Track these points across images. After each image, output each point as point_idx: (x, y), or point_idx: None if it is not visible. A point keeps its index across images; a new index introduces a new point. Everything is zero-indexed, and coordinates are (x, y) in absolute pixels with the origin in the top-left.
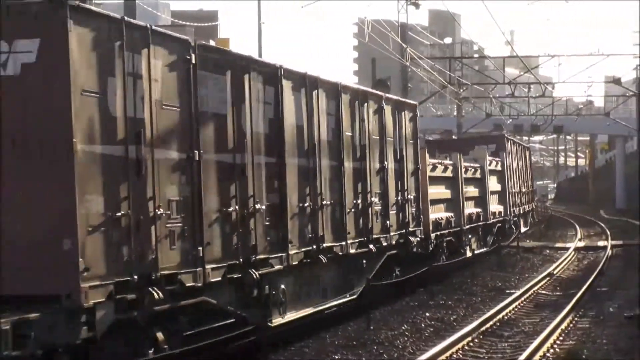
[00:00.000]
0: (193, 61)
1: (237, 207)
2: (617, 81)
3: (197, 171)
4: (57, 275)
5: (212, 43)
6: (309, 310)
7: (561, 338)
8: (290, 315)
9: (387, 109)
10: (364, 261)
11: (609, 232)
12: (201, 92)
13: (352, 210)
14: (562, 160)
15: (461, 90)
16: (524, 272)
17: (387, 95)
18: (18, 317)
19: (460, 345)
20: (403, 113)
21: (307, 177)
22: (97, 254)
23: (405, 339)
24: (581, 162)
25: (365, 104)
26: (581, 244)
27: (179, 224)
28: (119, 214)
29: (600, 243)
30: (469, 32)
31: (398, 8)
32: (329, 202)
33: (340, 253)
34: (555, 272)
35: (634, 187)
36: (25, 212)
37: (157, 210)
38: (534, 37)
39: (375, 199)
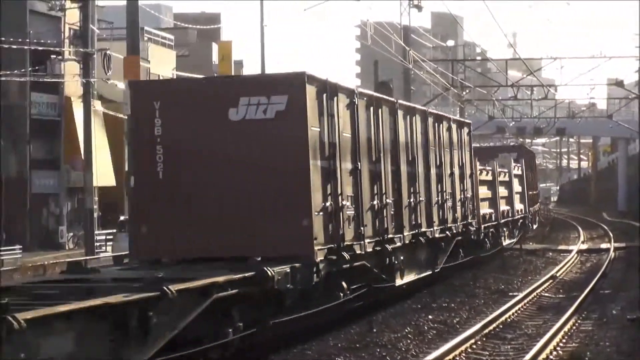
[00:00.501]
0: (355, 102)
1: (377, 201)
2: (619, 83)
3: (359, 176)
4: (300, 242)
5: (214, 46)
6: (412, 277)
7: (564, 341)
8: (405, 279)
9: (454, 127)
10: (443, 244)
11: (611, 235)
12: (360, 122)
13: (436, 204)
14: (564, 162)
15: (464, 93)
16: (527, 274)
17: (454, 117)
18: (290, 266)
19: (463, 348)
20: (463, 129)
21: (413, 181)
22: (319, 229)
23: (408, 341)
24: (584, 164)
25: (440, 125)
26: (584, 246)
27: (352, 212)
28: (327, 204)
29: (603, 245)
30: (471, 35)
31: (401, 10)
32: (423, 199)
33: (430, 237)
34: (558, 275)
35: (636, 189)
36: (280, 203)
37: (343, 202)
38: (536, 39)
39: (448, 197)
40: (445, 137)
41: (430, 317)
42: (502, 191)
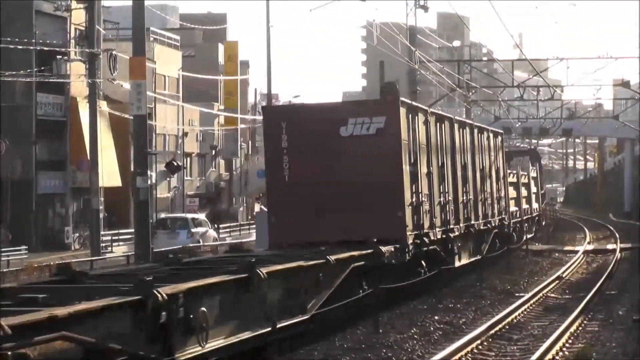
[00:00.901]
0: (428, 119)
1: (443, 198)
2: (625, 84)
3: (431, 178)
4: (396, 229)
5: (220, 46)
6: (465, 261)
7: (570, 341)
8: (461, 262)
9: (491, 136)
10: (485, 235)
11: (617, 235)
12: (431, 135)
13: (480, 202)
14: (570, 163)
15: (470, 94)
16: (533, 275)
17: (493, 129)
18: (394, 246)
19: (469, 349)
20: (497, 138)
21: (465, 182)
22: (409, 219)
23: (414, 342)
24: (590, 165)
25: (482, 135)
26: (590, 247)
27: (428, 206)
28: (413, 199)
29: (609, 246)
30: (477, 35)
31: (407, 11)
32: (472, 197)
33: (476, 228)
34: (564, 275)
35: None
36: (381, 198)
37: (422, 198)
38: (542, 40)
39: (488, 196)
40: (485, 145)
41: (436, 317)
42: (524, 191)
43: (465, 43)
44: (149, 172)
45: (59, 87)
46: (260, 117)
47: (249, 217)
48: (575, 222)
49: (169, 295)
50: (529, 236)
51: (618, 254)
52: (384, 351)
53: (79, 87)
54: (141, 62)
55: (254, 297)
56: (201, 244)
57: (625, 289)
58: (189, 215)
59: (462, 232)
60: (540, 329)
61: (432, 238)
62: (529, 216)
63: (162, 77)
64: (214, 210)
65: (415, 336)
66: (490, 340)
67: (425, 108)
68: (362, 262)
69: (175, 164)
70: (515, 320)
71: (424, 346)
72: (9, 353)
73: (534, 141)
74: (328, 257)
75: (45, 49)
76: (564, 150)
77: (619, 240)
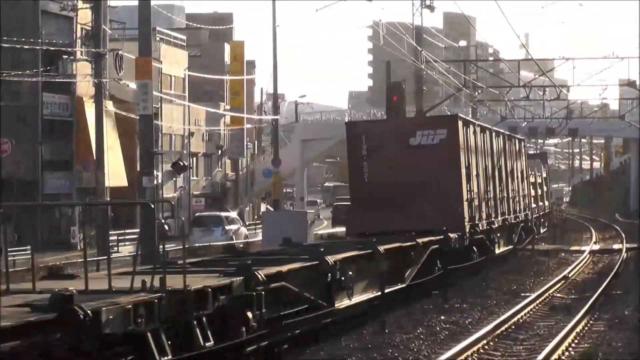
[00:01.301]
0: (476, 130)
1: (486, 195)
2: (631, 84)
3: (479, 179)
4: (456, 220)
5: (226, 46)
6: (502, 249)
7: (576, 341)
8: (500, 250)
9: (517, 142)
10: (515, 227)
11: (623, 235)
12: (478, 143)
13: (511, 199)
14: (577, 163)
15: (476, 93)
16: (539, 275)
17: (518, 136)
18: (457, 234)
19: (475, 349)
20: (522, 144)
21: (500, 182)
22: (466, 212)
23: (420, 342)
24: (596, 165)
25: (511, 141)
26: (596, 247)
27: (477, 202)
28: (468, 196)
29: (615, 246)
30: (483, 35)
31: (413, 11)
32: (505, 195)
33: (509, 222)
34: (570, 275)
35: None
36: (444, 195)
37: (474, 196)
38: (548, 40)
39: (517, 194)
40: (513, 150)
41: (442, 317)
42: (539, 191)
43: (471, 43)
44: (155, 172)
45: (65, 86)
46: (266, 117)
47: (255, 217)
48: (581, 222)
49: (333, 261)
50: (543, 230)
51: (624, 254)
52: (391, 351)
53: (85, 86)
54: (147, 62)
55: (374, 267)
56: (234, 240)
57: (631, 289)
58: (223, 214)
59: (500, 224)
60: (546, 329)
61: (481, 228)
62: (544, 212)
63: (168, 77)
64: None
65: (422, 336)
66: (496, 340)
67: (473, 121)
68: (437, 245)
69: (181, 163)
70: (521, 320)
71: (430, 346)
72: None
73: (540, 141)
74: (417, 240)
75: (52, 48)
76: (570, 150)
77: (625, 240)
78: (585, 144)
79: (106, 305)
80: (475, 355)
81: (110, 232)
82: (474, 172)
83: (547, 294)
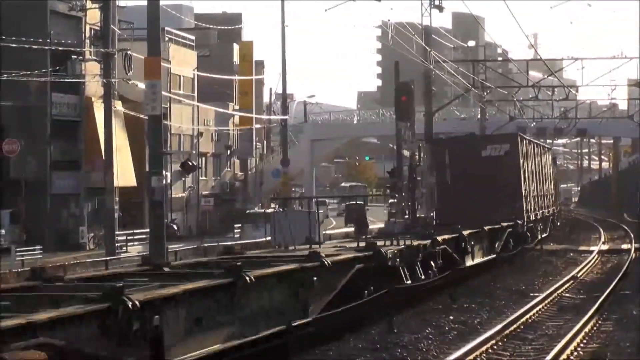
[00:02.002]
0: (528, 144)
1: (533, 193)
2: (639, 84)
3: (529, 181)
4: (518, 213)
5: (235, 46)
6: (544, 235)
7: (585, 341)
8: (540, 237)
9: (547, 152)
10: (547, 220)
11: (632, 235)
12: (529, 154)
13: (545, 197)
14: (585, 163)
15: (485, 94)
16: (548, 275)
17: (547, 145)
18: (510, 224)
19: (484, 348)
20: (549, 153)
21: (539, 183)
22: (524, 207)
23: (429, 342)
24: (605, 165)
25: (544, 149)
26: (605, 247)
27: (528, 198)
28: (525, 194)
29: (624, 246)
30: (492, 35)
31: (422, 11)
32: (542, 193)
33: (543, 215)
34: (578, 275)
35: None
36: (508, 193)
37: (527, 194)
38: (557, 40)
39: (548, 193)
40: (545, 158)
41: (450, 317)
42: (557, 190)
43: (480, 43)
44: (164, 172)
45: (73, 87)
46: (275, 117)
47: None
48: (589, 222)
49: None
50: (558, 224)
51: (633, 254)
52: (399, 351)
53: (93, 87)
54: (156, 62)
55: (484, 240)
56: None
57: None
58: (270, 211)
59: (540, 216)
60: (555, 329)
61: (532, 219)
62: (557, 210)
63: (177, 77)
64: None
65: (430, 336)
66: (505, 340)
67: (526, 137)
68: (511, 229)
69: (190, 163)
70: (530, 320)
71: (439, 346)
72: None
73: (548, 141)
74: (501, 224)
75: (60, 49)
76: (579, 150)
77: (633, 240)
78: (594, 144)
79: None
80: (484, 355)
81: (119, 232)
82: (527, 176)
83: (555, 294)
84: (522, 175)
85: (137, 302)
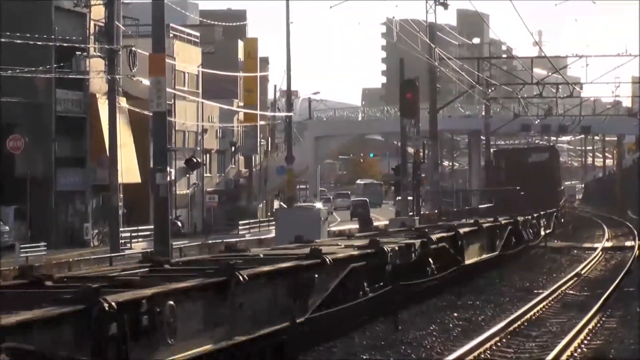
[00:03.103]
0: (558, 152)
1: (560, 188)
2: None
3: (557, 180)
4: (556, 204)
5: (240, 43)
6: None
7: (588, 338)
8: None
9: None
10: (564, 210)
11: (636, 232)
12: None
13: (562, 192)
14: (589, 160)
15: (489, 91)
16: (552, 272)
17: (556, 148)
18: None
19: (488, 345)
20: (558, 153)
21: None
22: (558, 199)
23: (433, 339)
24: (609, 162)
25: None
26: (608, 244)
27: (560, 192)
28: (558, 190)
29: (628, 243)
30: (497, 33)
31: (426, 8)
32: (562, 190)
33: (564, 206)
34: (582, 272)
35: None
36: (548, 189)
37: (559, 189)
38: (562, 38)
39: (563, 190)
40: (560, 160)
41: (455, 314)
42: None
43: (484, 40)
44: (168, 169)
45: (78, 83)
46: (279, 114)
47: (269, 214)
48: (594, 219)
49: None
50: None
51: (636, 251)
52: (403, 348)
53: (98, 83)
54: (161, 58)
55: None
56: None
57: None
58: (316, 205)
59: (563, 207)
60: (558, 326)
61: (561, 209)
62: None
63: (182, 74)
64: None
65: (435, 333)
66: (509, 337)
67: (556, 148)
68: (555, 214)
69: (194, 160)
70: (534, 317)
71: (443, 343)
72: None
73: (552, 138)
74: (548, 210)
75: (65, 45)
76: (583, 148)
77: (637, 238)
78: (598, 142)
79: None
80: (488, 352)
81: (123, 229)
82: (557, 177)
83: (559, 291)
84: (557, 175)
85: (113, 304)
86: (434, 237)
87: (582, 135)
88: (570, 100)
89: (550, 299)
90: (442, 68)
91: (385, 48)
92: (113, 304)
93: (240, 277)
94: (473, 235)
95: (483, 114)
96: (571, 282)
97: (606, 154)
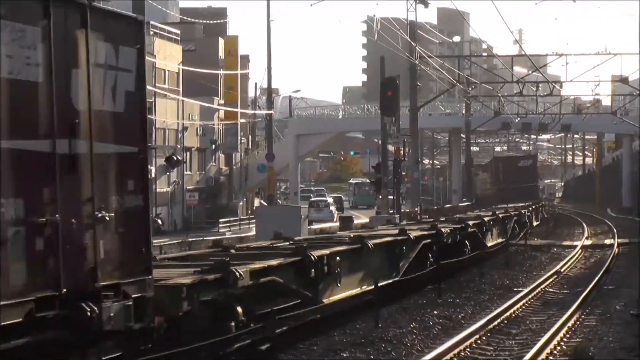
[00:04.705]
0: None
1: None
2: (624, 80)
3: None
4: (539, 197)
5: (220, 41)
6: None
7: (568, 335)
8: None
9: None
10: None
11: (615, 230)
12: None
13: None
14: (569, 158)
15: (470, 89)
16: (532, 270)
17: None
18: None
19: (468, 343)
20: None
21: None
22: (540, 194)
23: (414, 336)
24: (588, 160)
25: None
26: (588, 242)
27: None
28: (540, 188)
29: (607, 241)
30: (477, 31)
31: (407, 6)
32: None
33: (536, 206)
34: (562, 270)
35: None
36: (533, 188)
37: (540, 187)
38: (542, 36)
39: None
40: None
41: (435, 312)
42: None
43: (465, 38)
44: (149, 167)
45: None
46: (260, 112)
47: (249, 212)
48: (573, 217)
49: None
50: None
51: (616, 249)
52: (384, 345)
53: None
54: None
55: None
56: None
57: (623, 284)
58: (329, 199)
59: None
60: (538, 324)
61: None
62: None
63: (162, 71)
64: None
65: (415, 331)
66: (489, 334)
67: (535, 154)
68: (541, 206)
69: (175, 158)
70: (514, 315)
71: (424, 341)
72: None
73: (533, 136)
74: (539, 204)
75: None
76: (563, 146)
77: (616, 236)
78: (578, 140)
79: None
80: (468, 349)
81: None
82: (537, 176)
83: (539, 289)
84: (538, 177)
85: (316, 256)
86: (470, 222)
87: (562, 134)
88: (551, 98)
89: (530, 296)
90: (423, 66)
91: (366, 46)
92: (315, 256)
93: (370, 245)
94: (492, 224)
95: (463, 112)
96: (551, 280)
97: (586, 152)
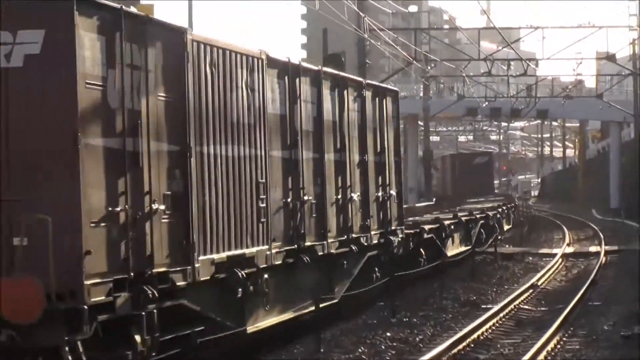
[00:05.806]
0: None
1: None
2: (611, 57)
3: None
4: (492, 191)
5: (132, 9)
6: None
7: None
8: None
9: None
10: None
11: (602, 236)
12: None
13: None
14: (547, 150)
15: (428, 68)
16: (503, 283)
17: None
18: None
19: None
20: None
21: None
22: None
23: None
24: (569, 152)
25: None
26: (570, 249)
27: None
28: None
29: (592, 248)
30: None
31: None
32: None
33: (507, 207)
34: (539, 283)
35: (631, 182)
36: (488, 184)
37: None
38: (514, 9)
39: None
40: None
41: (388, 334)
42: None
43: (423, 8)
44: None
45: None
46: None
47: None
48: (552, 220)
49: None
50: None
51: (602, 258)
52: None
53: None
54: None
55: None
56: None
57: (611, 300)
58: None
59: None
60: (511, 347)
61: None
62: None
63: None
64: None
65: (364, 356)
66: None
67: (490, 152)
68: (502, 203)
69: None
70: (482, 337)
71: None
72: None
73: (503, 124)
74: (497, 197)
75: None
76: (539, 135)
77: (603, 242)
78: (557, 128)
79: None
80: None
81: None
82: (492, 173)
83: (512, 306)
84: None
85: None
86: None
87: (538, 121)
88: (524, 78)
89: (501, 315)
90: (373, 40)
91: (305, 17)
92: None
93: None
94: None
95: (421, 94)
96: (526, 295)
97: (567, 143)
